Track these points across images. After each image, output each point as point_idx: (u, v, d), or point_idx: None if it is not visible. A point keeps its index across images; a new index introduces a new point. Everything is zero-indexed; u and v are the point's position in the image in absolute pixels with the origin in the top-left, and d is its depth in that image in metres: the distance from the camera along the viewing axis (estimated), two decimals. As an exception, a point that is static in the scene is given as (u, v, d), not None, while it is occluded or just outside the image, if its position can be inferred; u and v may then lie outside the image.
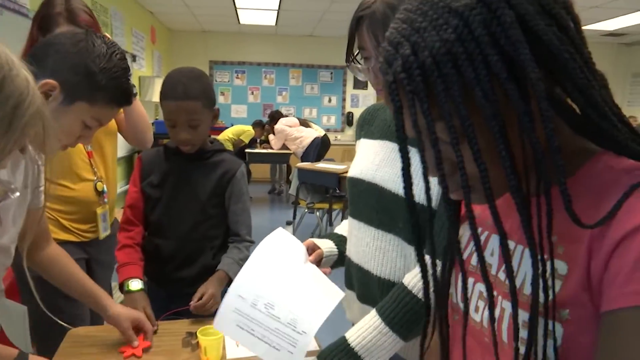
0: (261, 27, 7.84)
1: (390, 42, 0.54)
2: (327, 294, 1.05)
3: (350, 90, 8.97)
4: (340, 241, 1.25)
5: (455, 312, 0.74)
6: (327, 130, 7.66)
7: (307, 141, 6.63)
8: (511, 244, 0.61)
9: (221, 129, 7.37)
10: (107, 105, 1.08)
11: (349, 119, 8.97)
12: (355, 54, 1.02)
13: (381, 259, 1.05)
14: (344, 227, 1.29)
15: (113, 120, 1.71)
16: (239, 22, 7.42)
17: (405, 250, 1.01)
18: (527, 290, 0.56)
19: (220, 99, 8.50)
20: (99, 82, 1.03)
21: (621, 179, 0.52)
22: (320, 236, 3.68)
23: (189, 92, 1.37)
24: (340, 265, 1.25)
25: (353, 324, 1.09)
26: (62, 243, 1.42)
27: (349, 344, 0.97)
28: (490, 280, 0.62)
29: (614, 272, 0.49)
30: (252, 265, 1.08)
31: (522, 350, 0.54)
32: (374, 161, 1.10)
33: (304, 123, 6.97)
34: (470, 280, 0.69)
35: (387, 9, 0.91)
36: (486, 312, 0.64)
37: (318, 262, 1.15)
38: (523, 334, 0.55)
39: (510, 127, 0.51)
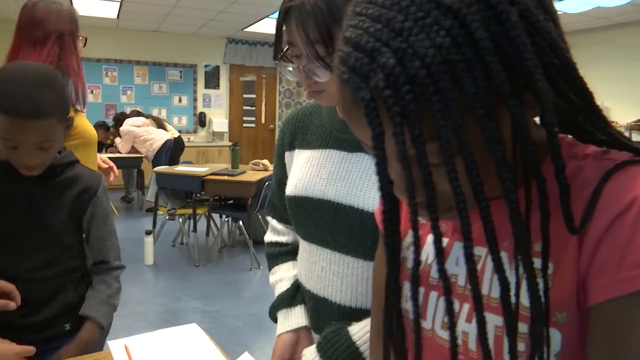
0: (100, 20, 7.13)
1: (360, 48, 0.44)
2: None
3: (201, 89, 8.67)
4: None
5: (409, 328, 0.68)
6: (180, 131, 7.28)
7: (158, 144, 6.22)
8: (479, 250, 0.57)
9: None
10: None
11: (201, 120, 8.67)
12: (284, 50, 0.89)
13: (340, 285, 0.94)
14: (285, 272, 1.12)
15: None
16: (74, 13, 6.65)
17: (367, 272, 0.92)
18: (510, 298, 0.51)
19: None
20: None
21: (591, 167, 0.50)
22: (182, 243, 3.49)
23: (41, 108, 1.03)
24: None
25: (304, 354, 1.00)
26: None
27: (349, 332, 0.90)
28: (458, 291, 0.59)
29: (603, 260, 0.46)
30: None
31: None
32: (320, 175, 0.97)
33: (159, 123, 6.53)
34: (434, 295, 0.63)
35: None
36: (460, 328, 0.58)
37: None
38: (519, 347, 0.51)
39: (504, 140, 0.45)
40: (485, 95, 0.42)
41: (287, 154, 1.10)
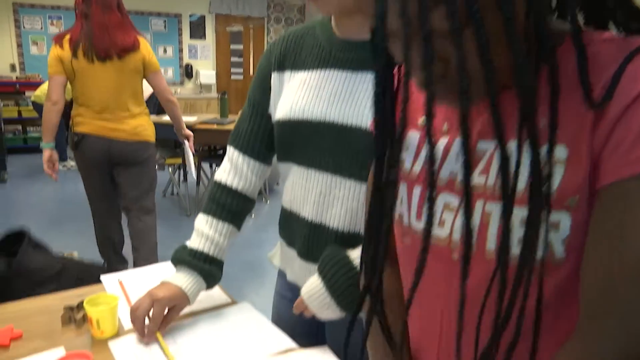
0: (77, -35, 6.79)
1: None
2: None
3: (187, 40, 8.40)
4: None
5: (407, 234, 0.66)
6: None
7: (146, 95, 6.03)
8: (485, 144, 0.55)
9: (37, 84, 6.37)
10: None
11: (187, 71, 8.45)
12: None
13: (339, 210, 0.91)
14: (214, 232, 1.06)
15: None
16: (49, -43, 6.32)
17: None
18: (520, 185, 0.49)
19: (33, 50, 7.28)
20: None
21: (609, 49, 0.48)
22: (172, 194, 3.56)
23: None
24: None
25: (297, 285, 0.99)
26: None
27: (349, 256, 0.89)
28: (458, 188, 0.57)
29: (618, 141, 0.44)
30: None
31: (517, 251, 0.48)
32: (320, 96, 0.91)
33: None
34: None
35: None
36: (457, 223, 0.57)
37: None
38: (520, 233, 0.49)
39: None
40: None
41: (274, 75, 1.00)
